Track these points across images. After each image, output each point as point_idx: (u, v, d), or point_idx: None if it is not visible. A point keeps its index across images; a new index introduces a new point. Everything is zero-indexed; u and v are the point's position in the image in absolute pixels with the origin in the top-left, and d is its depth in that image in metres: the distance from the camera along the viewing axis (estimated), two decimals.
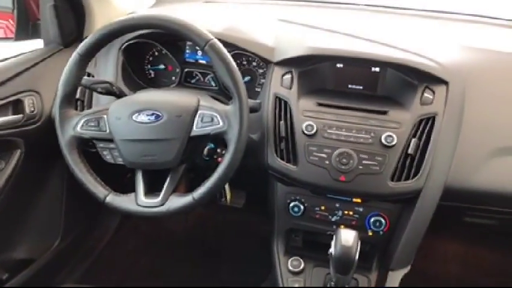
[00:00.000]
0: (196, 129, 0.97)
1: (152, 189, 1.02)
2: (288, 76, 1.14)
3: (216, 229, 1.93)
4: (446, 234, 1.74)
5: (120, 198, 1.01)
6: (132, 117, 0.99)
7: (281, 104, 1.12)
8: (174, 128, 0.97)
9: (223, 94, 1.22)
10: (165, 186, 1.00)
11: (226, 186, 1.33)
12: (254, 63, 1.24)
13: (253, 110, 1.02)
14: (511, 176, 1.08)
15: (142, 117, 0.99)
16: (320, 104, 1.11)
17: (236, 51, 1.20)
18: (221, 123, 0.96)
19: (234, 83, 0.95)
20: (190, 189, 1.00)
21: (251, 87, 1.25)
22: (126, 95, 1.10)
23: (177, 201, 0.97)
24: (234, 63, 0.96)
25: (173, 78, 1.32)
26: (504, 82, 1.14)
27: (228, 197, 1.34)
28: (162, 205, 0.98)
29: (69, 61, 1.00)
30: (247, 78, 1.25)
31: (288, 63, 1.15)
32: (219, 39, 0.99)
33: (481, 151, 1.09)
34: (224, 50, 0.96)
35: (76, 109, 1.23)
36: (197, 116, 0.98)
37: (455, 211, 1.22)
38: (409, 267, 1.16)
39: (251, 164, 1.12)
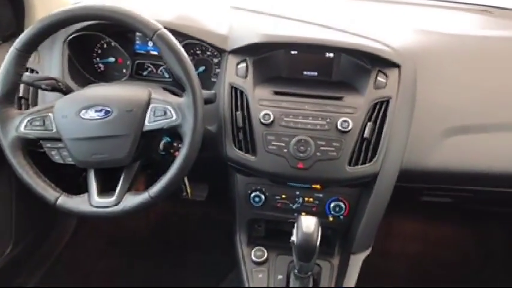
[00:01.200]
0: (149, 124, 0.94)
1: (107, 188, 0.98)
2: (243, 65, 1.12)
3: (179, 224, 1.90)
4: (405, 214, 1.80)
5: (73, 200, 0.96)
6: (79, 114, 0.94)
7: (237, 94, 1.10)
8: (125, 124, 0.93)
9: (177, 86, 1.19)
10: (119, 185, 0.96)
11: (186, 180, 1.30)
12: (208, 53, 1.21)
13: (208, 101, 0.99)
14: (463, 155, 1.11)
15: (91, 114, 0.94)
16: (276, 93, 1.10)
17: (188, 41, 1.17)
18: (175, 116, 0.93)
19: (186, 74, 0.92)
20: (149, 186, 0.96)
21: (206, 77, 1.22)
22: (73, 91, 1.05)
23: (133, 200, 0.94)
24: (184, 53, 0.93)
25: (124, 70, 1.27)
26: (454, 64, 1.17)
27: (189, 190, 1.32)
28: (116, 204, 0.94)
29: (6, 57, 0.94)
30: (201, 68, 1.22)
31: (242, 51, 1.13)
32: (169, 29, 0.95)
33: (433, 132, 1.11)
34: (174, 40, 0.93)
35: (20, 108, 1.16)
36: (149, 109, 0.94)
37: (412, 191, 1.26)
38: (370, 249, 1.18)
39: (210, 156, 1.10)
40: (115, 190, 0.96)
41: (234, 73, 1.12)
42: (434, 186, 1.20)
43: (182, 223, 1.89)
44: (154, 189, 0.93)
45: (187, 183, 1.30)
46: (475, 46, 1.20)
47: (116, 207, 0.94)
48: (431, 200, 1.35)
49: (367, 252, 1.17)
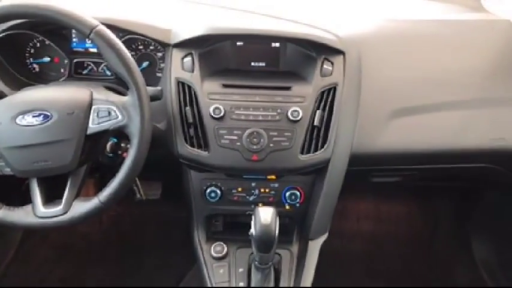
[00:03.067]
0: (93, 126, 0.89)
1: (53, 196, 0.92)
2: (189, 58, 1.09)
3: (134, 225, 1.84)
4: (357, 195, 1.86)
5: (15, 213, 0.90)
6: (15, 120, 0.88)
7: (185, 89, 1.07)
8: (67, 128, 0.88)
9: (121, 84, 1.14)
10: (65, 193, 0.91)
11: (138, 181, 1.26)
12: (151, 47, 1.17)
13: (154, 98, 0.96)
14: (408, 136, 1.16)
15: (29, 119, 0.88)
16: (225, 85, 1.09)
17: (129, 36, 1.12)
18: (120, 117, 0.89)
19: (128, 71, 0.88)
20: (100, 190, 0.92)
21: (151, 72, 1.18)
22: (6, 96, 0.97)
23: (82, 207, 0.89)
24: (125, 50, 0.89)
25: (62, 70, 1.19)
26: (394, 48, 1.21)
27: (142, 192, 1.27)
28: (64, 213, 0.89)
29: None
30: (145, 64, 1.18)
31: (187, 44, 1.10)
32: (108, 25, 0.91)
33: (380, 115, 1.15)
34: (112, 36, 0.88)
35: None
36: (92, 111, 0.89)
37: (363, 174, 1.29)
38: (327, 234, 1.20)
39: (161, 155, 1.06)
40: (62, 198, 0.91)
41: (180, 67, 1.09)
42: (383, 167, 1.24)
43: (137, 224, 1.84)
44: (105, 193, 0.89)
45: (139, 184, 1.26)
46: (413, 30, 1.25)
47: (63, 216, 0.89)
48: (381, 180, 1.40)
49: (325, 236, 1.20)
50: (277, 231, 0.93)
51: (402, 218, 1.88)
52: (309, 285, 1.13)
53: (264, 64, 1.14)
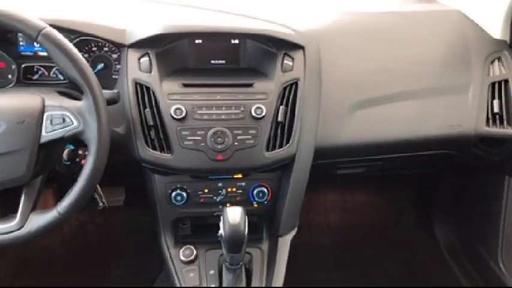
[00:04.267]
0: (47, 134, 0.84)
1: (7, 211, 0.87)
2: (146, 59, 1.05)
3: (98, 233, 1.78)
4: (323, 188, 1.88)
5: None
6: None
7: (143, 90, 1.03)
8: (18, 138, 0.83)
9: (75, 88, 1.08)
10: (20, 206, 0.85)
11: (99, 189, 1.20)
12: (106, 49, 1.12)
13: (111, 101, 0.92)
14: (370, 127, 1.17)
15: None
16: (185, 85, 1.06)
17: (81, 38, 1.06)
18: (75, 123, 0.84)
19: (81, 74, 0.84)
20: (59, 200, 0.87)
21: (107, 75, 1.12)
22: None
23: (40, 220, 0.84)
24: (76, 52, 0.85)
25: (9, 76, 1.12)
26: (353, 41, 1.22)
27: (104, 199, 1.22)
28: (20, 228, 0.84)
29: None
30: (100, 66, 1.12)
31: (143, 44, 1.06)
32: (56, 26, 0.86)
33: (342, 108, 1.16)
34: (62, 38, 0.84)
35: None
36: (44, 118, 0.84)
37: (328, 166, 1.30)
38: (296, 229, 1.21)
39: (122, 160, 1.03)
40: (17, 212, 0.85)
41: (137, 68, 1.05)
42: (347, 159, 1.26)
43: (101, 232, 1.77)
44: (63, 204, 0.85)
45: (100, 191, 1.20)
46: (370, 22, 1.27)
47: (20, 231, 0.84)
48: (346, 172, 1.42)
49: (294, 232, 1.20)
50: (246, 231, 0.92)
51: (368, 208, 1.92)
52: (281, 282, 1.12)
53: (224, 62, 1.12)
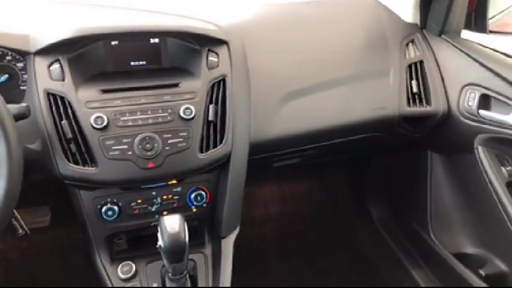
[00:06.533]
0: None
1: None
2: (56, 66, 0.96)
3: (24, 258, 1.62)
4: (261, 181, 1.88)
5: None
6: None
7: (57, 101, 0.94)
8: None
9: None
10: None
11: (17, 214, 1.09)
12: (8, 58, 1.00)
13: (20, 116, 0.82)
14: (301, 117, 1.18)
15: None
16: (104, 91, 0.98)
17: None
18: None
19: None
20: None
21: (13, 87, 1.00)
22: None
23: None
24: None
25: None
26: (277, 32, 1.21)
27: (24, 226, 1.11)
28: None
29: None
30: (4, 78, 1.00)
31: (51, 50, 0.96)
32: None
33: (272, 101, 1.15)
34: None
35: None
36: None
37: (264, 161, 1.30)
38: (238, 228, 1.18)
39: (41, 178, 0.93)
40: None
41: (48, 77, 0.95)
42: (282, 152, 1.26)
43: (27, 257, 1.62)
44: None
45: (19, 217, 1.09)
46: (291, 13, 1.28)
47: None
48: (282, 164, 1.42)
49: (236, 231, 1.18)
50: (187, 238, 0.88)
51: (306, 196, 1.96)
52: (228, 284, 1.10)
53: (145, 62, 1.05)
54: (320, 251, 1.84)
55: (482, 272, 1.32)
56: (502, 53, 1.19)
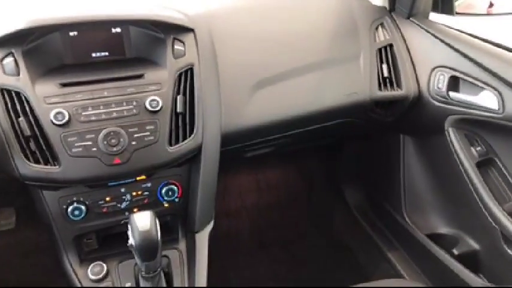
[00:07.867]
0: None
1: None
2: (10, 59, 0.90)
3: None
4: (235, 172, 1.86)
5: None
6: None
7: (12, 97, 0.88)
8: None
9: None
10: None
11: None
12: None
13: None
14: (273, 105, 1.16)
15: None
16: (64, 85, 0.93)
17: None
18: None
19: None
20: None
21: None
22: None
23: None
24: None
25: None
26: (245, 20, 1.18)
27: None
28: None
29: None
30: None
31: (3, 43, 0.90)
32: None
33: (242, 90, 1.12)
34: None
35: None
36: None
37: (237, 151, 1.27)
38: (212, 222, 1.16)
39: (1, 179, 0.88)
40: None
41: (1, 72, 0.89)
42: (255, 141, 1.24)
43: None
44: None
45: None
46: (261, 0, 1.24)
47: None
48: (255, 154, 1.40)
49: (211, 225, 1.15)
50: (159, 235, 0.85)
51: (281, 184, 1.95)
52: (205, 280, 1.07)
53: (107, 53, 0.99)
54: (298, 239, 1.84)
55: (455, 251, 1.35)
56: (468, 34, 1.19)
